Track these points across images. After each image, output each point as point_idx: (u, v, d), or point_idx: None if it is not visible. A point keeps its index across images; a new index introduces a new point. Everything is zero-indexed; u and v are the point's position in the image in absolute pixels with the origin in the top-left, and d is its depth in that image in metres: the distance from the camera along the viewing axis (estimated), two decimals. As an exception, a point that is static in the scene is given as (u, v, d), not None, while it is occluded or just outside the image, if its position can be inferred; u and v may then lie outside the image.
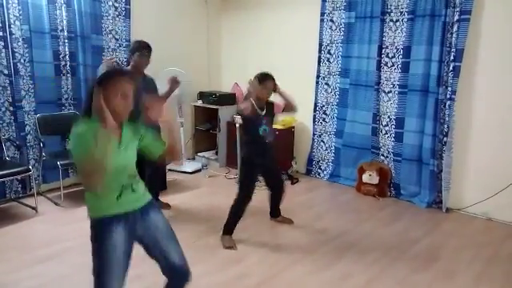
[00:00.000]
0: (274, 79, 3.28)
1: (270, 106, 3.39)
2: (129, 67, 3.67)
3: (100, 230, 1.79)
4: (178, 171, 5.18)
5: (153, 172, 3.76)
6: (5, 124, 3.97)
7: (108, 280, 1.77)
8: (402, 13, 4.15)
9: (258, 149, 3.27)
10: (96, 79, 1.83)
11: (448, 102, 3.90)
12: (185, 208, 4.09)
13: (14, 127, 4.03)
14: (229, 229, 3.31)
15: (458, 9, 3.72)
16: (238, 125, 4.92)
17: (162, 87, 3.89)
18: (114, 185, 1.80)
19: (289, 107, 3.46)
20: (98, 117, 1.75)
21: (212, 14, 5.75)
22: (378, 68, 4.38)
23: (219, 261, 3.06)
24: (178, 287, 2.02)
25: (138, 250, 1.97)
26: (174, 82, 3.82)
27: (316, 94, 4.96)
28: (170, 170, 5.09)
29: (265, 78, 3.25)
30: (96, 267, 1.79)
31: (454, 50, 3.79)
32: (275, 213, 3.72)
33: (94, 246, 1.80)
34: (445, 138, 3.99)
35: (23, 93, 4.04)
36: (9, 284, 2.71)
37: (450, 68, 3.84)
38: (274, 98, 3.41)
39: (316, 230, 3.64)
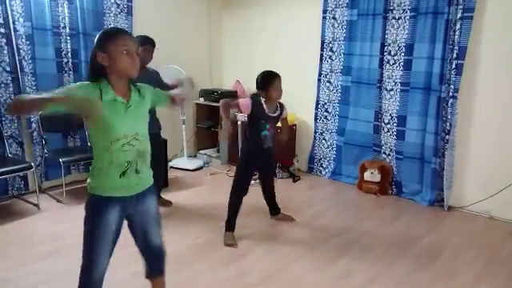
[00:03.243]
0: (280, 76, 3.12)
1: (281, 107, 3.29)
2: None
3: (95, 206, 1.82)
4: (180, 169, 5.19)
5: (155, 167, 3.77)
6: (7, 121, 3.98)
7: (96, 251, 1.82)
8: (404, 10, 4.13)
9: (256, 150, 3.24)
10: (96, 42, 1.75)
11: (450, 100, 3.89)
12: (186, 205, 4.10)
13: (16, 124, 4.04)
14: (230, 224, 3.31)
15: (461, 6, 3.70)
16: (239, 122, 4.93)
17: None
18: (120, 157, 1.76)
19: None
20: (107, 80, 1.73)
21: (214, 11, 5.75)
22: (381, 66, 4.37)
23: (220, 258, 3.06)
24: (154, 266, 2.06)
25: (134, 248, 1.99)
26: (190, 83, 3.85)
27: (318, 92, 4.96)
28: (171, 167, 5.10)
29: (271, 78, 3.08)
30: (85, 238, 1.83)
31: (456, 47, 3.78)
32: (274, 210, 3.72)
33: (87, 216, 1.83)
34: (447, 136, 3.98)
35: (28, 90, 4.05)
36: (11, 280, 2.72)
37: (453, 66, 3.83)
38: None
39: (317, 228, 3.64)
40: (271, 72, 3.14)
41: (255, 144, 3.24)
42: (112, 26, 4.54)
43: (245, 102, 3.13)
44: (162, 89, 3.80)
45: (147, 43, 3.61)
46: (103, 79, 1.74)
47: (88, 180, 1.84)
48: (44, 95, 1.56)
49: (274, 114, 3.22)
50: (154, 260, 2.05)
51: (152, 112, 3.76)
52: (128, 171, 1.81)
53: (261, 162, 3.34)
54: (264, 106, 3.14)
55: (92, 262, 1.83)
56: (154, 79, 3.73)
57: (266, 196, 3.64)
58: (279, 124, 3.42)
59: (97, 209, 1.81)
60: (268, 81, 3.09)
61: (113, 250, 1.88)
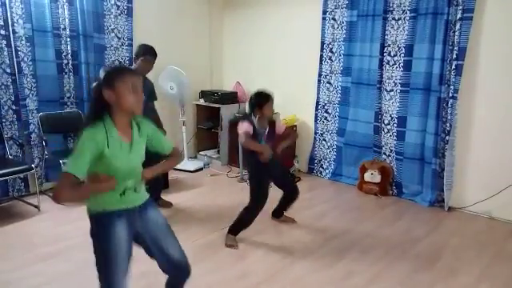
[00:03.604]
0: (272, 98, 3.22)
1: (272, 125, 3.37)
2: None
3: (101, 223, 1.80)
4: (180, 170, 5.19)
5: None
6: (8, 122, 3.99)
7: (113, 272, 1.78)
8: (404, 11, 4.14)
9: (258, 162, 3.22)
10: (102, 80, 1.78)
11: (450, 101, 3.90)
12: (186, 206, 4.10)
13: (16, 126, 4.04)
14: (235, 231, 3.30)
15: (460, 7, 3.71)
16: (240, 123, 4.93)
17: (163, 84, 3.87)
18: (118, 186, 1.80)
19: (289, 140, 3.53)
20: (110, 119, 1.76)
21: (214, 12, 5.75)
22: (380, 66, 4.37)
23: (220, 259, 3.06)
24: (178, 283, 2.04)
25: (140, 248, 1.98)
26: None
27: (318, 93, 4.96)
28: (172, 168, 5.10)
29: (263, 101, 3.19)
30: (100, 262, 1.80)
31: (456, 48, 3.78)
32: (279, 213, 3.71)
33: (96, 240, 1.81)
34: (447, 137, 3.98)
35: (26, 91, 4.05)
36: (12, 282, 2.72)
37: (453, 66, 3.83)
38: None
39: (318, 229, 3.64)
40: (265, 93, 3.23)
41: (255, 157, 3.22)
42: (112, 27, 4.55)
43: (247, 126, 3.15)
44: (149, 104, 3.77)
45: (148, 53, 3.59)
46: (106, 116, 1.76)
47: (87, 206, 1.84)
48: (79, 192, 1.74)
49: (264, 130, 3.30)
50: (180, 276, 2.01)
51: (154, 112, 3.79)
52: (126, 192, 1.84)
53: (269, 172, 3.32)
54: (256, 125, 3.21)
55: (112, 283, 1.79)
56: (148, 89, 3.71)
57: (285, 200, 3.59)
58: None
59: (104, 223, 1.80)
60: (263, 101, 3.20)
61: (128, 270, 1.83)
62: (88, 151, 1.68)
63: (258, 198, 3.24)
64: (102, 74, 1.81)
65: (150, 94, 3.75)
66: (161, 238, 1.92)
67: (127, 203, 1.85)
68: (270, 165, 3.25)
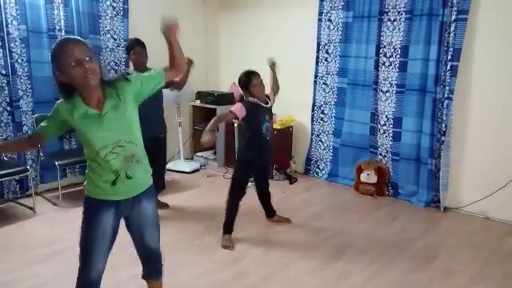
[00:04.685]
0: (258, 74, 3.20)
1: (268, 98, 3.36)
2: (132, 69, 3.69)
3: (89, 208, 1.84)
4: (177, 171, 5.18)
5: (156, 172, 3.79)
6: (2, 124, 3.97)
7: (93, 253, 1.83)
8: (399, 12, 4.15)
9: (259, 147, 3.25)
10: (51, 62, 1.76)
11: (446, 102, 3.91)
12: (183, 208, 4.09)
13: (11, 127, 4.02)
14: (228, 227, 3.31)
15: (455, 8, 3.73)
16: (236, 125, 4.94)
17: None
18: (106, 166, 1.76)
19: (274, 88, 3.47)
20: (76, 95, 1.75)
21: (210, 13, 5.75)
22: (376, 67, 4.38)
23: (217, 261, 3.06)
24: (151, 267, 2.09)
25: (133, 250, 1.99)
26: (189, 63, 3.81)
27: (314, 94, 4.97)
28: (168, 169, 5.09)
29: (249, 76, 3.17)
30: (82, 240, 1.85)
31: (451, 49, 3.80)
32: (270, 212, 3.72)
33: (83, 217, 1.86)
34: (442, 137, 4.00)
35: (21, 93, 4.04)
36: (8, 283, 2.71)
37: (448, 67, 3.85)
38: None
39: (314, 230, 3.64)
40: (248, 71, 3.22)
41: (258, 141, 3.24)
42: (108, 28, 4.53)
43: (237, 107, 3.15)
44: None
45: (135, 45, 3.61)
46: (76, 94, 1.74)
47: (84, 182, 1.88)
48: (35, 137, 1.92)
49: (268, 105, 3.28)
50: (151, 262, 2.07)
51: (159, 115, 3.80)
52: (118, 179, 1.80)
53: (261, 161, 3.34)
54: (256, 101, 3.19)
55: (88, 264, 1.84)
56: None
57: (261, 196, 3.63)
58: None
59: (90, 210, 1.84)
60: (246, 80, 3.18)
61: (108, 252, 1.89)
62: (52, 117, 1.82)
63: (238, 179, 3.26)
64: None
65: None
66: (145, 230, 1.97)
67: (119, 194, 1.83)
68: (265, 153, 3.26)
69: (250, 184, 3.39)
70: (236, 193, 3.28)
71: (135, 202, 1.89)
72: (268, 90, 3.41)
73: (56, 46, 1.70)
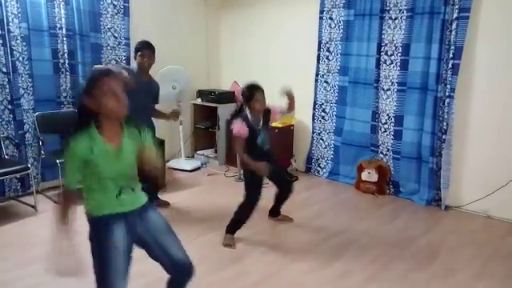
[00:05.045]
0: (262, 88, 3.18)
1: (267, 114, 3.32)
2: (135, 67, 3.69)
3: (100, 227, 1.79)
4: (178, 169, 5.18)
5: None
6: (4, 122, 3.97)
7: (111, 278, 1.77)
8: (400, 10, 4.14)
9: (257, 157, 3.21)
10: (83, 89, 1.79)
11: (447, 100, 3.91)
12: (184, 206, 4.09)
13: (12, 125, 4.02)
14: (233, 230, 3.30)
15: (456, 6, 3.72)
16: (233, 122, 4.92)
17: (162, 88, 3.94)
18: (111, 187, 1.80)
19: (290, 108, 3.43)
20: (96, 125, 1.76)
21: (211, 11, 5.74)
22: (377, 66, 4.38)
23: (218, 259, 3.06)
24: (182, 282, 2.02)
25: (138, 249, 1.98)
26: (175, 115, 3.98)
27: (315, 92, 4.96)
28: (169, 168, 5.09)
29: (253, 91, 3.15)
30: (97, 267, 1.79)
31: (452, 47, 3.79)
32: (275, 212, 3.71)
33: (94, 244, 1.80)
34: (444, 136, 3.99)
35: (22, 91, 4.04)
36: (9, 282, 2.71)
37: (449, 66, 3.84)
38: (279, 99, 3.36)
39: (315, 228, 3.64)
40: (253, 85, 3.20)
41: (256, 151, 3.21)
42: (109, 26, 4.53)
43: (242, 129, 3.12)
44: (156, 101, 3.86)
45: (144, 48, 3.60)
46: (92, 124, 1.75)
47: (84, 208, 1.84)
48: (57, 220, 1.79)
49: (259, 127, 3.25)
50: (183, 277, 1.99)
51: (149, 117, 3.80)
52: (123, 191, 1.83)
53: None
54: (250, 119, 3.17)
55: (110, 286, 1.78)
56: (155, 92, 3.76)
57: (279, 197, 3.58)
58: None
59: (102, 228, 1.79)
60: (250, 94, 3.16)
61: (126, 274, 1.82)
62: (74, 164, 1.76)
63: (251, 195, 3.22)
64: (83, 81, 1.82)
65: (155, 96, 3.81)
66: (162, 240, 1.91)
67: (125, 205, 1.83)
68: (262, 157, 3.25)
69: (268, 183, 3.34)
70: (248, 204, 3.22)
71: (142, 213, 1.89)
72: (282, 104, 3.40)
73: (96, 72, 1.86)
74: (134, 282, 2.53)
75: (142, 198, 1.94)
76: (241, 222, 3.27)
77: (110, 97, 1.73)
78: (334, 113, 4.86)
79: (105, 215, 1.79)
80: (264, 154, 3.26)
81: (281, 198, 3.60)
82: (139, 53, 3.60)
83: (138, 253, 1.92)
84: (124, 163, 1.83)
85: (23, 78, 4.03)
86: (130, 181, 1.87)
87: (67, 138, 1.76)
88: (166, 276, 2.03)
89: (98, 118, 1.77)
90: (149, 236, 1.89)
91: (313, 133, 5.10)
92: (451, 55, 3.81)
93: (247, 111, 3.20)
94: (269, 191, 3.51)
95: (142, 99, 3.40)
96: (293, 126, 5.20)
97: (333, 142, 4.93)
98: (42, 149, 4.15)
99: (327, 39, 4.76)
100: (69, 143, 1.75)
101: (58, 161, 3.94)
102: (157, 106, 3.88)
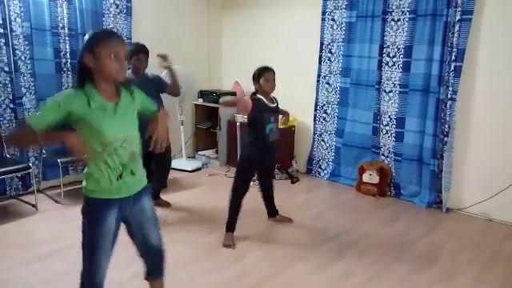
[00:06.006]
0: (273, 70, 3.27)
1: (276, 100, 3.39)
2: (129, 72, 3.66)
3: (94, 210, 1.80)
4: (179, 170, 5.18)
5: (160, 170, 3.81)
6: (5, 121, 3.97)
7: (97, 256, 1.81)
8: (403, 12, 4.14)
9: (260, 147, 3.24)
10: (84, 43, 1.73)
11: (449, 102, 3.90)
12: (185, 206, 4.09)
13: (14, 124, 4.02)
14: (230, 225, 3.30)
15: (459, 8, 3.72)
16: (238, 123, 4.94)
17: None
18: (115, 160, 1.76)
19: (284, 123, 3.56)
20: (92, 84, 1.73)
21: (213, 12, 5.75)
22: (379, 67, 4.38)
23: (218, 260, 3.06)
24: (154, 267, 2.06)
25: (134, 248, 1.98)
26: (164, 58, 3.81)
27: (317, 93, 4.96)
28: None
29: (262, 71, 3.24)
30: (85, 243, 1.82)
31: (455, 49, 3.79)
32: (272, 212, 3.71)
33: (86, 223, 1.82)
34: (445, 138, 3.99)
35: (24, 90, 4.04)
36: (9, 281, 2.71)
37: (451, 68, 3.84)
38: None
39: (316, 230, 3.64)
40: (264, 66, 3.30)
41: (261, 141, 3.23)
42: (111, 26, 4.54)
43: (246, 99, 3.21)
44: (165, 88, 3.89)
45: (141, 52, 3.58)
46: (89, 83, 1.73)
47: (83, 183, 1.82)
48: (29, 131, 1.66)
49: (273, 105, 3.31)
50: (154, 261, 2.04)
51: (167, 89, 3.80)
52: (124, 173, 1.81)
53: (264, 161, 3.33)
54: (263, 100, 3.24)
55: (95, 266, 1.82)
56: (156, 84, 3.73)
57: (265, 197, 3.63)
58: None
59: (96, 212, 1.80)
60: (259, 73, 3.25)
61: (112, 252, 1.87)
62: (57, 109, 1.65)
63: (241, 176, 3.26)
64: (86, 37, 1.76)
65: (158, 85, 3.77)
66: (145, 227, 1.94)
67: (124, 191, 1.82)
68: (267, 153, 3.26)
69: (252, 184, 3.37)
70: (238, 190, 3.26)
71: (136, 199, 1.89)
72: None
73: (99, 32, 1.78)
74: (129, 284, 2.54)
75: (141, 183, 1.92)
76: (235, 211, 3.27)
77: (114, 59, 1.69)
78: (336, 114, 4.86)
79: (101, 199, 1.79)
80: (268, 146, 3.27)
81: (266, 196, 3.62)
82: (135, 57, 3.55)
83: (134, 254, 1.95)
84: (124, 122, 1.79)
85: (25, 78, 4.03)
86: (133, 158, 1.82)
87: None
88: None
89: (94, 77, 1.73)
90: (135, 219, 1.91)
91: (314, 134, 5.09)
92: (453, 57, 3.81)
93: (260, 94, 3.25)
94: (257, 192, 3.55)
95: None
96: (294, 127, 5.20)
97: (334, 143, 4.93)
98: (43, 148, 4.15)
99: (329, 40, 4.76)
100: (63, 92, 1.73)
101: (59, 160, 3.95)
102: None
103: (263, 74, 3.23)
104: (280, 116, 3.46)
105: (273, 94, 3.37)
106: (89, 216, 1.82)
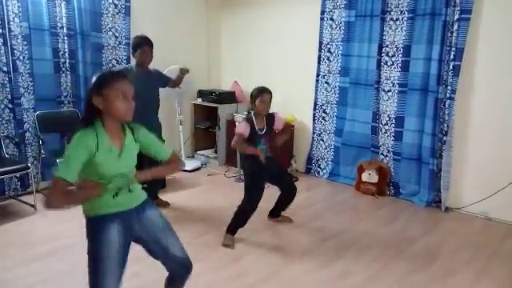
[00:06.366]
0: (270, 92, 3.25)
1: (271, 118, 3.35)
2: (133, 64, 3.69)
3: (95, 227, 1.80)
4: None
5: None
6: (4, 121, 3.97)
7: (104, 277, 1.76)
8: (402, 11, 4.14)
9: (257, 162, 3.22)
10: (93, 86, 1.81)
11: (448, 101, 3.90)
12: (184, 206, 4.09)
13: (13, 124, 4.02)
14: (233, 229, 3.30)
15: (458, 8, 3.72)
16: (237, 123, 4.93)
17: (168, 87, 3.99)
18: (109, 187, 1.79)
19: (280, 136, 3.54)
20: (100, 122, 1.76)
21: (212, 11, 5.74)
22: (378, 67, 4.38)
23: (217, 259, 3.06)
24: (180, 280, 2.04)
25: (133, 248, 1.97)
26: (184, 72, 4.02)
27: (316, 93, 4.96)
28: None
29: (261, 91, 3.23)
30: (91, 265, 1.79)
31: (454, 49, 3.79)
32: (276, 213, 3.70)
33: (90, 244, 1.80)
34: (444, 137, 3.99)
35: (22, 90, 4.04)
36: (8, 281, 2.71)
37: (450, 67, 3.84)
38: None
39: (315, 229, 3.64)
40: (263, 87, 3.28)
41: (253, 158, 3.22)
42: (110, 26, 4.53)
43: (245, 130, 3.19)
44: (167, 83, 3.96)
45: (145, 44, 3.61)
46: (98, 122, 1.76)
47: (82, 206, 1.83)
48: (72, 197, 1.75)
49: (262, 132, 3.28)
50: (182, 274, 2.01)
51: (154, 114, 3.84)
52: (120, 192, 1.83)
53: (266, 168, 3.32)
54: (254, 122, 3.23)
55: (101, 284, 1.77)
56: (157, 79, 3.82)
57: (283, 200, 3.57)
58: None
59: (96, 228, 1.79)
60: (257, 94, 3.24)
61: (121, 276, 1.82)
62: (79, 156, 1.69)
63: (251, 196, 3.24)
64: (94, 79, 1.81)
65: (161, 80, 3.89)
66: (162, 238, 1.91)
67: (121, 205, 1.83)
68: (267, 163, 3.25)
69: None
70: (248, 206, 3.23)
71: (139, 212, 1.89)
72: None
73: (106, 74, 1.87)
74: (128, 284, 2.54)
75: (141, 197, 1.94)
76: (240, 222, 3.27)
77: (122, 100, 1.75)
78: (335, 114, 4.86)
79: (100, 215, 1.79)
80: (260, 162, 3.25)
81: (285, 201, 3.58)
82: (140, 50, 3.58)
83: (134, 254, 1.93)
84: (126, 164, 1.83)
85: (24, 77, 4.03)
86: (129, 182, 1.86)
87: (73, 133, 1.74)
88: (162, 277, 2.05)
89: (102, 117, 1.77)
90: (147, 235, 1.89)
91: (313, 133, 5.09)
92: (452, 57, 3.81)
93: (252, 114, 3.25)
94: (268, 192, 3.50)
95: (147, 93, 3.42)
96: (293, 126, 5.20)
97: (333, 142, 4.93)
98: (42, 148, 4.15)
99: (328, 40, 4.76)
100: (78, 133, 1.73)
101: (57, 160, 3.94)
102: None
103: (260, 96, 3.22)
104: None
105: (273, 94, 3.36)
106: (91, 235, 1.80)
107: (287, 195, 3.54)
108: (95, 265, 1.77)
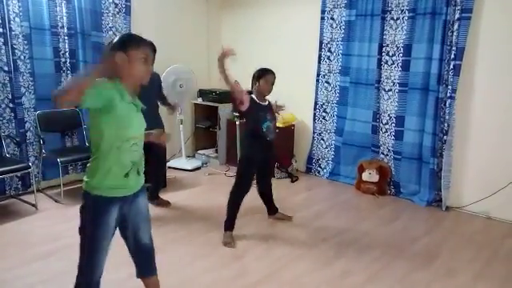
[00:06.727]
0: (275, 74, 3.29)
1: (269, 104, 3.39)
2: None
3: (97, 208, 1.79)
4: (178, 169, 5.18)
5: (157, 169, 3.84)
6: (5, 121, 3.97)
7: (97, 253, 1.81)
8: (402, 11, 4.14)
9: (259, 146, 3.25)
10: (118, 42, 1.78)
11: (448, 101, 3.90)
12: (184, 206, 4.09)
13: (14, 124, 4.02)
14: (229, 224, 3.30)
15: (458, 7, 3.72)
16: (238, 123, 4.94)
17: (168, 87, 4.01)
18: (127, 157, 1.79)
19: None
20: (118, 79, 1.76)
21: (212, 11, 5.74)
22: (379, 66, 4.37)
23: (218, 258, 3.06)
24: (146, 265, 2.05)
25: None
26: (172, 109, 4.21)
27: (316, 92, 4.96)
28: (169, 167, 5.09)
29: (266, 72, 3.26)
30: (86, 241, 1.81)
31: (454, 48, 3.79)
32: (272, 210, 3.71)
33: (88, 219, 1.80)
34: (445, 137, 3.99)
35: (23, 89, 4.04)
36: (9, 280, 2.71)
37: (451, 66, 3.84)
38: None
39: (315, 228, 3.64)
40: (267, 68, 3.32)
41: (259, 141, 3.24)
42: (110, 25, 4.54)
43: (246, 99, 3.20)
44: (159, 94, 4.07)
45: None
46: (116, 80, 1.76)
47: (86, 179, 1.79)
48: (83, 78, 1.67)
49: (265, 103, 3.33)
50: (145, 259, 2.03)
51: (156, 112, 3.88)
52: (131, 172, 1.82)
53: (264, 160, 3.34)
54: (256, 99, 3.26)
55: (95, 265, 1.82)
56: (157, 83, 3.89)
57: (264, 195, 3.62)
58: None
59: (99, 209, 1.79)
60: (262, 74, 3.28)
61: (109, 249, 1.87)
62: (106, 90, 1.67)
63: (242, 177, 3.26)
64: (115, 38, 1.79)
65: (158, 87, 3.98)
66: (140, 226, 1.95)
67: (128, 188, 1.84)
68: (266, 152, 3.27)
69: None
70: (239, 190, 3.27)
71: (134, 198, 1.90)
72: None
73: (135, 36, 1.86)
74: (124, 285, 2.53)
75: (141, 184, 1.95)
76: (234, 211, 3.28)
77: (143, 62, 1.78)
78: (335, 113, 4.86)
79: (104, 197, 1.78)
80: (266, 144, 3.27)
81: (265, 195, 3.62)
82: None
83: (129, 257, 1.95)
84: (140, 122, 1.87)
85: (24, 77, 4.03)
86: (140, 160, 1.88)
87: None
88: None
89: (120, 75, 1.77)
90: (131, 219, 1.92)
91: (313, 133, 5.09)
92: (453, 56, 3.81)
93: (254, 93, 3.27)
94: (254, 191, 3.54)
95: (148, 93, 3.43)
96: (293, 126, 5.20)
97: (333, 142, 4.93)
98: (43, 147, 4.16)
99: (328, 39, 4.75)
100: (100, 81, 1.68)
101: (58, 160, 3.95)
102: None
103: (265, 75, 3.25)
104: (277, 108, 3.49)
105: (273, 93, 3.36)
106: (92, 214, 1.80)
107: (263, 185, 3.57)
108: (92, 244, 1.81)
